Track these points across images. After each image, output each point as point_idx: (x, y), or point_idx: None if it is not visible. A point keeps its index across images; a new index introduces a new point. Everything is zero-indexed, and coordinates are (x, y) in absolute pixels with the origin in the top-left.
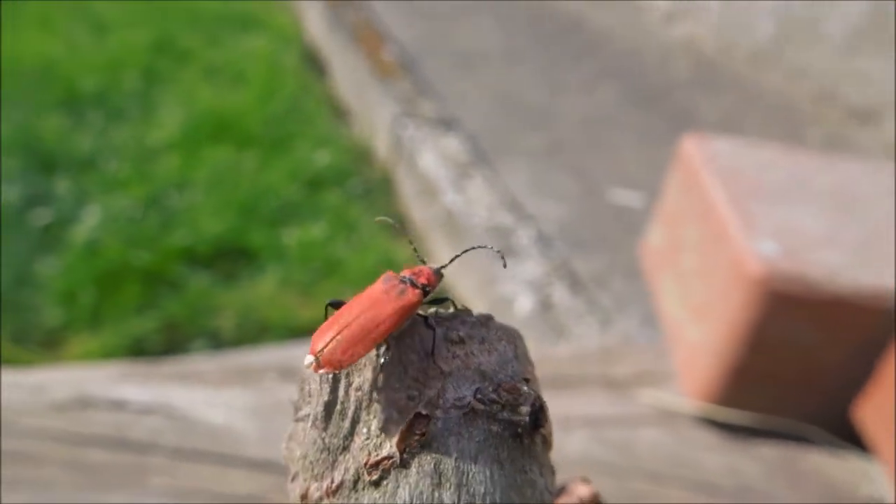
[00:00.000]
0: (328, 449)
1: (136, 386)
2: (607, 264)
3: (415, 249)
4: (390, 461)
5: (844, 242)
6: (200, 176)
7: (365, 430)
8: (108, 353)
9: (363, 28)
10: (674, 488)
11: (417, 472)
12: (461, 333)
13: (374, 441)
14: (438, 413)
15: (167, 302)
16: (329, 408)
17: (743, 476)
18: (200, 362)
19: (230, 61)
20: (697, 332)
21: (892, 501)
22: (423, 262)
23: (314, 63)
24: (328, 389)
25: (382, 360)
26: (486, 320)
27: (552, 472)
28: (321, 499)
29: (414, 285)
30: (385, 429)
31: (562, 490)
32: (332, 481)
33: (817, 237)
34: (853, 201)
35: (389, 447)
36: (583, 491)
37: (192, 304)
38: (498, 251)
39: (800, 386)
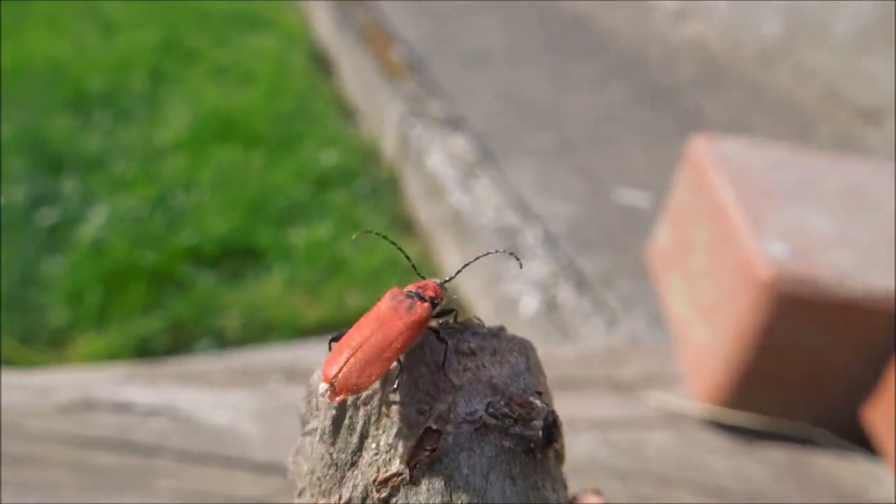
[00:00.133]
0: (336, 464)
1: (141, 388)
2: (614, 264)
3: (413, 267)
4: (400, 478)
5: (854, 244)
6: (207, 176)
7: (374, 446)
8: (114, 353)
9: (371, 28)
10: (682, 492)
11: (427, 490)
12: (472, 345)
13: (384, 457)
14: (449, 428)
15: (173, 302)
16: (337, 422)
17: (751, 480)
18: (206, 363)
19: (237, 61)
20: (705, 333)
21: None
22: (423, 278)
23: (321, 63)
24: (336, 403)
25: (398, 380)
26: (498, 331)
27: (564, 486)
28: None
29: (422, 299)
30: (394, 444)
31: (572, 501)
32: (340, 498)
33: (827, 239)
34: (863, 202)
35: (399, 463)
36: (594, 501)
37: (198, 304)
38: (511, 253)
39: (808, 389)
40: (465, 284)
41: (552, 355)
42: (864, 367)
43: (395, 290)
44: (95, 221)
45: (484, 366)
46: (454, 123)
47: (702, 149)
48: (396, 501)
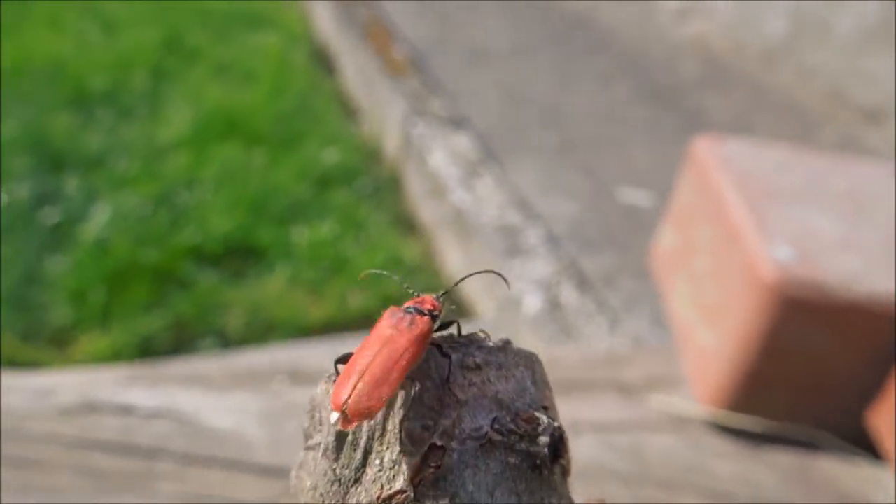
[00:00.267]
0: (339, 480)
1: (143, 390)
2: (616, 264)
3: (408, 288)
4: (404, 495)
5: (859, 246)
6: (209, 174)
7: (378, 462)
8: (118, 352)
9: (373, 25)
10: (685, 495)
11: None
12: (478, 360)
13: (387, 473)
14: (454, 444)
15: (176, 300)
16: (340, 437)
17: (756, 483)
18: (208, 363)
19: (239, 59)
20: (709, 336)
21: None
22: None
23: (323, 61)
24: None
25: (406, 398)
26: (504, 345)
27: (571, 501)
28: None
29: (421, 313)
30: (398, 461)
31: None
32: None
33: (831, 241)
34: (867, 204)
35: (403, 480)
36: None
37: (201, 303)
38: (502, 276)
39: (813, 392)
40: (468, 284)
41: (555, 357)
42: (869, 371)
43: (392, 308)
44: (98, 220)
45: (489, 380)
46: (456, 122)
47: (705, 150)
48: None
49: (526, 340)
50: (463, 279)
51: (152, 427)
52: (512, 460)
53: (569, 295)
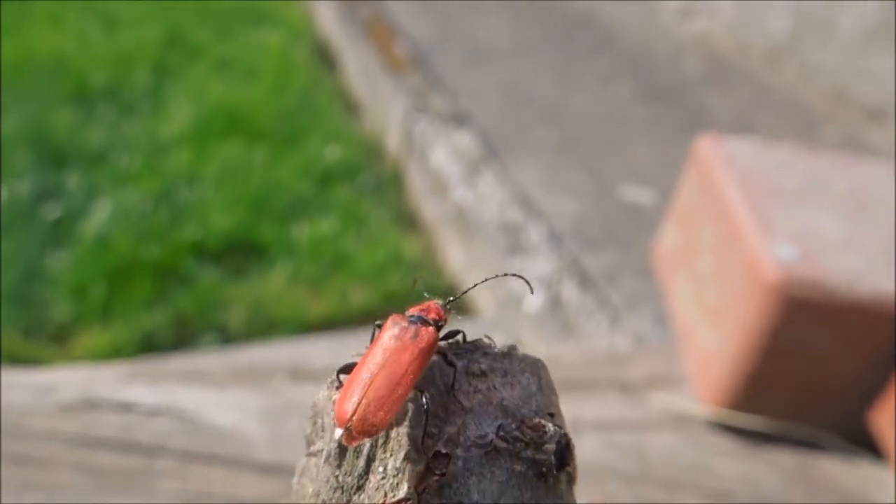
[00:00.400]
0: (342, 488)
1: (144, 387)
2: (618, 262)
3: (417, 287)
4: (408, 503)
5: (861, 246)
6: (211, 170)
7: (381, 469)
8: (119, 348)
9: (375, 22)
10: (687, 495)
11: None
12: (483, 366)
13: (391, 481)
14: (459, 452)
15: (177, 296)
16: (343, 444)
17: (758, 483)
18: (209, 360)
19: (241, 56)
20: (712, 335)
21: None
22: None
23: (325, 57)
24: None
25: (412, 410)
26: (509, 351)
27: None
28: None
29: (425, 323)
30: (402, 468)
31: None
32: None
33: (834, 241)
34: (870, 203)
35: (407, 488)
36: None
37: (202, 299)
38: (526, 280)
39: (815, 392)
40: (469, 282)
41: (556, 356)
42: (871, 371)
43: (395, 316)
44: (99, 216)
45: (495, 387)
46: (458, 119)
47: (708, 149)
48: None
49: (527, 338)
50: (475, 285)
51: (153, 424)
52: (517, 468)
53: (570, 293)
